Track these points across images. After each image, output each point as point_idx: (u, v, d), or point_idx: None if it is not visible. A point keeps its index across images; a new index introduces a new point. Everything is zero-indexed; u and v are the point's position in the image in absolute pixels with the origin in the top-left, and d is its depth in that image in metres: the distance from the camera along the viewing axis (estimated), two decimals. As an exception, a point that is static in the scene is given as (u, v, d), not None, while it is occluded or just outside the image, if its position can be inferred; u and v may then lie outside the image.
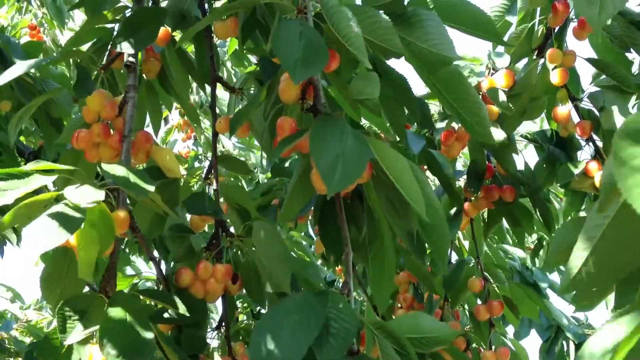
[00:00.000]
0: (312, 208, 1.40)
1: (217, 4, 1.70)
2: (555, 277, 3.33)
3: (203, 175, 1.58)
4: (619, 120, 1.77)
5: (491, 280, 2.00)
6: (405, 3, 1.22)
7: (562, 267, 2.96)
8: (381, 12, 1.16)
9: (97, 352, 0.98)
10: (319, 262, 3.35)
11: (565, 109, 1.88)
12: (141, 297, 1.20)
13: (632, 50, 1.82)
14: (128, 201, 1.17)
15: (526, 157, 2.11)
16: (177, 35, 1.60)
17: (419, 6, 1.22)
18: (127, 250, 3.38)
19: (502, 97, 1.83)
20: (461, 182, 2.11)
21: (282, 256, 1.24)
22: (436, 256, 1.20)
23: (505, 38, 1.87)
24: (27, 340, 3.78)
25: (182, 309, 1.14)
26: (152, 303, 1.24)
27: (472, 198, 2.03)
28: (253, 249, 1.33)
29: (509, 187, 1.99)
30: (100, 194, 0.99)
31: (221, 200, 1.48)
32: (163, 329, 1.26)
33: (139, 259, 3.70)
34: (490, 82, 1.89)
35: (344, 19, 1.07)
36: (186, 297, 1.28)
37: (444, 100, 1.25)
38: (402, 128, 1.38)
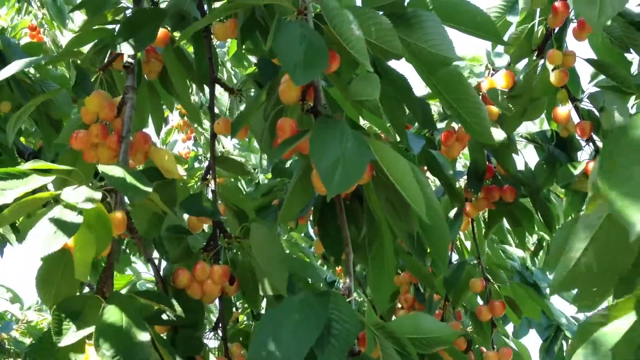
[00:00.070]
0: (312, 208, 1.40)
1: (217, 5, 1.70)
2: (555, 277, 3.32)
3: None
4: (619, 120, 1.77)
5: (492, 281, 2.00)
6: (405, 4, 1.22)
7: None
8: (381, 13, 1.16)
9: (93, 353, 0.98)
10: (319, 262, 3.35)
11: (565, 110, 1.88)
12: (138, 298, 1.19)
13: (631, 50, 1.82)
14: (127, 201, 1.17)
15: (526, 157, 2.11)
16: (177, 35, 1.60)
17: (419, 7, 1.22)
18: (127, 251, 3.38)
19: (502, 97, 1.83)
20: (461, 182, 2.11)
21: (279, 258, 1.24)
22: (436, 257, 1.20)
23: (505, 38, 1.87)
24: (28, 341, 3.77)
25: (179, 310, 1.14)
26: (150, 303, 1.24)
27: (473, 198, 2.03)
28: (251, 250, 1.33)
29: (509, 187, 1.99)
30: (97, 195, 0.99)
31: (219, 201, 1.48)
32: (160, 330, 1.26)
33: (139, 260, 3.70)
34: (490, 83, 1.89)
35: (346, 22, 1.07)
36: (183, 298, 1.27)
37: (444, 100, 1.25)
38: (402, 128, 1.38)
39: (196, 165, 4.91)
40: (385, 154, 1.04)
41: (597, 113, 1.86)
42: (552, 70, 1.80)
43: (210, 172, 1.50)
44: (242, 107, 1.59)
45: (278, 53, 1.06)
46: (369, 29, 1.12)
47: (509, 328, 2.87)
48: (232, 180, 3.48)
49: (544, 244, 3.38)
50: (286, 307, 0.93)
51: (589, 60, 1.84)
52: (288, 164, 2.42)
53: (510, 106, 1.83)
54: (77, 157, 1.35)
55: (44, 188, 1.03)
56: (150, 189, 1.06)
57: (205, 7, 1.62)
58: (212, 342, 1.43)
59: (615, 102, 1.79)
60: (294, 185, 1.18)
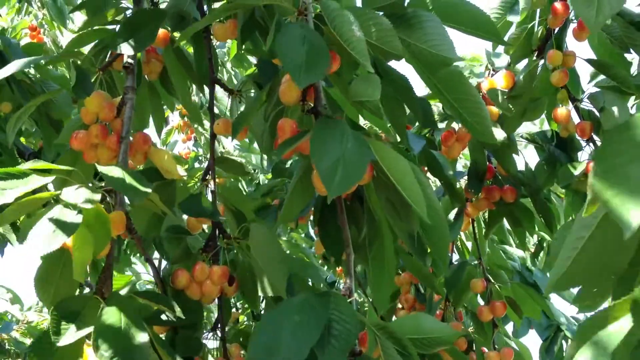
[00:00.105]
0: (313, 209, 1.39)
1: (217, 5, 1.70)
2: (555, 277, 3.32)
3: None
4: (619, 120, 1.77)
5: (493, 281, 2.00)
6: (405, 4, 1.22)
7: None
8: (381, 13, 1.15)
9: (92, 354, 0.98)
10: (319, 263, 3.35)
11: (565, 110, 1.88)
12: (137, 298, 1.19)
13: (631, 50, 1.81)
14: (127, 201, 1.17)
15: (526, 157, 2.11)
16: (177, 36, 1.60)
17: (419, 7, 1.22)
18: (128, 251, 3.37)
19: (502, 98, 1.83)
20: (462, 182, 2.11)
21: (279, 258, 1.24)
22: (437, 257, 1.20)
23: (505, 38, 1.87)
24: (28, 341, 3.77)
25: (178, 310, 1.14)
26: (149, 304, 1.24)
27: (473, 199, 2.03)
28: (250, 251, 1.33)
29: (509, 187, 1.99)
30: (96, 196, 0.99)
31: (218, 202, 1.47)
32: (159, 330, 1.25)
33: (139, 261, 3.70)
34: (490, 83, 1.89)
35: (346, 23, 1.07)
36: (182, 298, 1.27)
37: (445, 100, 1.25)
38: (403, 128, 1.38)
39: (196, 165, 4.91)
40: (386, 154, 1.04)
41: (597, 113, 1.85)
42: (552, 70, 1.80)
43: (210, 172, 1.50)
44: (242, 108, 1.59)
45: (279, 54, 1.06)
46: (369, 29, 1.12)
47: (509, 328, 2.87)
48: (233, 180, 3.48)
49: (545, 244, 3.38)
50: (286, 308, 0.92)
51: (589, 61, 1.84)
52: (288, 164, 2.42)
53: (511, 106, 1.83)
54: (77, 157, 1.36)
55: (44, 188, 1.03)
56: (149, 190, 1.06)
57: (205, 7, 1.62)
58: (211, 342, 1.43)
59: (615, 102, 1.79)
60: (294, 185, 1.18)
